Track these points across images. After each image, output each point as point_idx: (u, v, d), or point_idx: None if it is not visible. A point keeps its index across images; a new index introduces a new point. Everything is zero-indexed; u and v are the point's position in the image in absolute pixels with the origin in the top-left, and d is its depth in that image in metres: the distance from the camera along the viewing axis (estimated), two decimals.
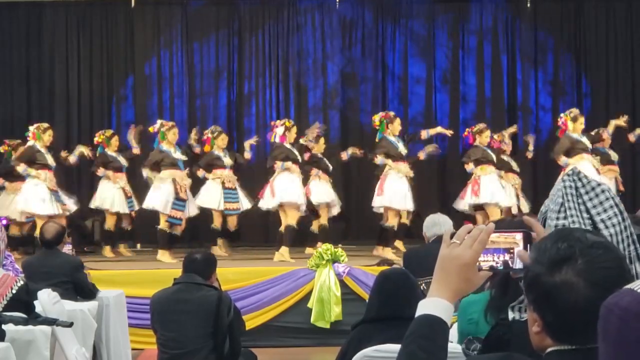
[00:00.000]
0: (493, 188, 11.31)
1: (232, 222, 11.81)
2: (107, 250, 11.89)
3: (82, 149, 11.91)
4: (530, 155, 12.24)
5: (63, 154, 11.88)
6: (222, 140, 11.80)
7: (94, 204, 11.98)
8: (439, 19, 14.46)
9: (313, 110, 14.32)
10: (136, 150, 12.00)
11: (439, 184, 14.02)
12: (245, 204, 11.75)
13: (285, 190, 11.01)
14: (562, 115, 11.75)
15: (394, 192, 11.16)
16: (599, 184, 2.27)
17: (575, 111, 11.72)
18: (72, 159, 11.86)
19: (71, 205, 11.47)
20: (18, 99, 14.21)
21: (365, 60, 14.43)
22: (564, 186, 2.27)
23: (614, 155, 11.68)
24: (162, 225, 11.23)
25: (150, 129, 11.72)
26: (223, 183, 11.58)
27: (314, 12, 14.42)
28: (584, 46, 14.41)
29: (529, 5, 14.22)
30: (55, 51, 14.18)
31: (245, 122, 14.36)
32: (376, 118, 11.64)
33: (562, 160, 11.21)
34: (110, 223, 11.95)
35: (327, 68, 14.33)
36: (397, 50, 14.43)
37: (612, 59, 14.32)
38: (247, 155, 11.92)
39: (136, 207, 11.96)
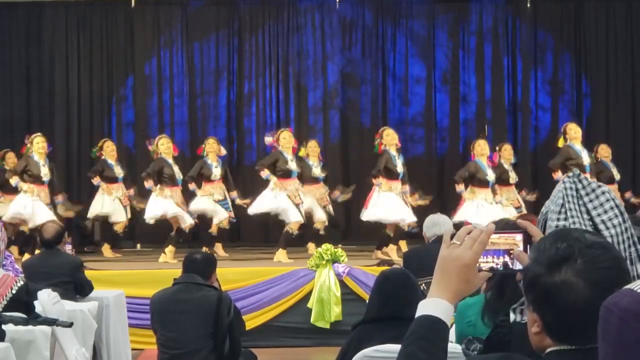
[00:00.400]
0: (478, 212, 11.12)
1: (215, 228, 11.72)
2: (107, 250, 11.90)
3: (66, 213, 11.69)
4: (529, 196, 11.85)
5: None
6: (210, 145, 11.63)
7: (90, 214, 11.94)
8: (439, 19, 14.45)
9: (313, 110, 14.32)
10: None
11: (437, 184, 14.00)
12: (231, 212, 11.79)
13: (271, 204, 11.08)
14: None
15: (382, 207, 11.04)
16: (599, 186, 2.28)
17: (566, 124, 11.63)
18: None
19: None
20: (18, 99, 14.20)
21: (365, 61, 14.42)
22: (564, 187, 2.28)
23: (616, 174, 11.47)
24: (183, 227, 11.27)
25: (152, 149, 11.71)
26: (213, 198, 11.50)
27: (314, 12, 14.41)
28: (584, 46, 14.40)
29: (529, 5, 14.22)
30: (55, 51, 14.17)
31: (246, 122, 14.36)
32: (375, 142, 11.50)
33: (557, 175, 10.94)
34: (119, 227, 11.92)
35: (327, 68, 14.32)
36: (397, 51, 14.43)
37: (612, 59, 14.31)
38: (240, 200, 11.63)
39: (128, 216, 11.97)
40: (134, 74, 14.32)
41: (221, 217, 11.43)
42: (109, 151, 11.89)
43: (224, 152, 11.77)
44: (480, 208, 11.03)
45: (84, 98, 14.22)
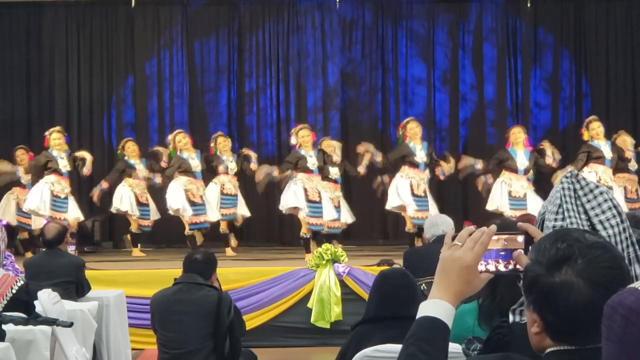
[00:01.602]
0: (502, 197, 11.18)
1: (223, 226, 11.80)
2: (135, 252, 11.95)
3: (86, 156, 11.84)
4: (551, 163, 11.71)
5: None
6: (221, 143, 11.80)
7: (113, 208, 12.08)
8: (439, 19, 14.45)
9: (313, 110, 14.32)
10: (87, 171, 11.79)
11: (437, 184, 13.98)
12: (243, 210, 11.79)
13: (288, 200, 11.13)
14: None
15: (399, 195, 11.11)
16: (597, 186, 2.28)
17: (588, 119, 11.65)
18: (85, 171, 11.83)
19: (70, 216, 11.34)
20: (18, 99, 14.20)
21: (365, 60, 14.42)
22: (562, 188, 2.28)
23: (632, 164, 11.37)
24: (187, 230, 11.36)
25: (170, 150, 11.75)
26: (222, 189, 11.57)
27: (314, 12, 14.41)
28: (584, 46, 14.40)
29: (529, 5, 14.21)
30: (55, 51, 14.17)
31: (246, 122, 14.36)
32: (399, 134, 11.57)
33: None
34: (133, 225, 12.01)
35: (327, 68, 14.32)
36: (397, 51, 14.42)
37: (612, 59, 14.31)
38: (253, 166, 11.72)
39: (152, 217, 12.00)
40: (134, 74, 14.32)
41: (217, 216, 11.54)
42: (130, 151, 11.97)
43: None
44: (505, 193, 11.09)
45: (84, 98, 14.22)
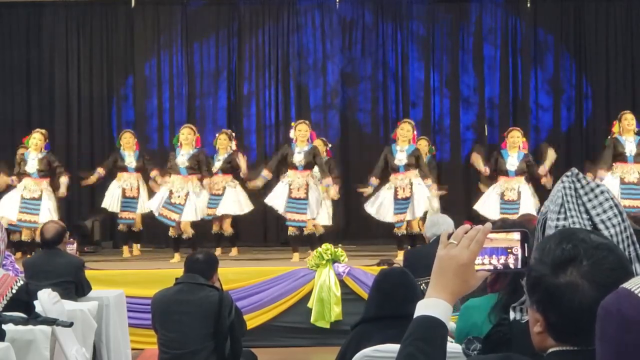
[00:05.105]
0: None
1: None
2: (125, 251, 11.93)
3: (99, 170, 11.82)
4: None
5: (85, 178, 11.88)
6: (218, 142, 11.80)
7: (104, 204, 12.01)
8: (439, 19, 14.45)
9: (313, 110, 14.31)
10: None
11: (438, 184, 13.97)
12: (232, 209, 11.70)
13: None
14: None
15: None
16: (598, 185, 2.28)
17: (623, 111, 11.25)
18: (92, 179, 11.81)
19: (40, 218, 11.05)
20: (18, 99, 14.20)
21: (365, 60, 14.41)
22: (563, 187, 2.27)
23: None
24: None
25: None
26: (210, 189, 11.50)
27: (314, 12, 14.41)
28: (584, 46, 14.39)
29: (529, 5, 14.21)
30: (55, 51, 14.17)
31: (245, 123, 14.35)
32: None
33: (600, 175, 10.58)
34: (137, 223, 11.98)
35: (327, 68, 14.32)
36: (397, 51, 14.42)
37: (612, 59, 14.30)
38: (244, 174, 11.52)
39: (138, 210, 11.89)
40: (133, 74, 14.32)
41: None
42: (124, 142, 11.90)
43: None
44: (496, 198, 11.02)
45: (84, 98, 14.23)
